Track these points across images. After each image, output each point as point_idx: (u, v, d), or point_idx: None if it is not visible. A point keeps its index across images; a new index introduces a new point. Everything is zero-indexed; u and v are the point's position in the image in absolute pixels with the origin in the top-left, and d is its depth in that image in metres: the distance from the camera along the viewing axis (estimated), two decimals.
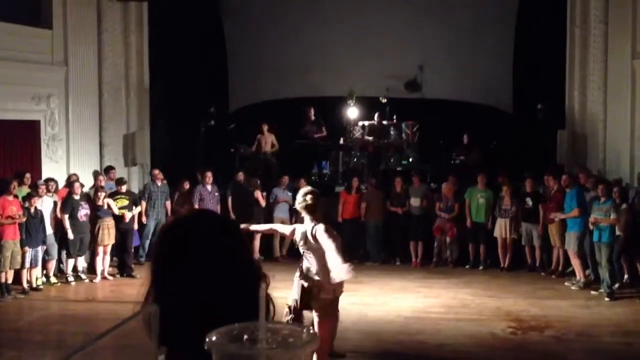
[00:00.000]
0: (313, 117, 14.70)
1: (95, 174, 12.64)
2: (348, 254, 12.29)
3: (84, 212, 11.15)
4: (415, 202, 12.36)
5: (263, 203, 12.74)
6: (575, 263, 10.67)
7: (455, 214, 12.08)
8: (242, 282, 1.38)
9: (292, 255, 12.65)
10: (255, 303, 1.13)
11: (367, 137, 14.63)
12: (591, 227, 10.01)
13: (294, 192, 12.62)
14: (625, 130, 12.23)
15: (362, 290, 10.30)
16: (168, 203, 12.63)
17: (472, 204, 12.04)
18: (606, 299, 9.77)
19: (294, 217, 12.57)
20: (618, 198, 10.09)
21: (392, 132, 14.76)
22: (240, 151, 14.46)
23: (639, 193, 10.51)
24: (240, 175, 13.04)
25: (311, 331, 1.12)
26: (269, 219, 12.61)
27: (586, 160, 13.02)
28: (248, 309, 1.17)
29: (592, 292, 10.15)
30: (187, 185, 12.79)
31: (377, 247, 12.62)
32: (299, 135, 14.58)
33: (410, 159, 14.57)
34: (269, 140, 14.29)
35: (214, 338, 1.12)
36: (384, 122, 14.73)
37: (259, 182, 12.89)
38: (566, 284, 10.77)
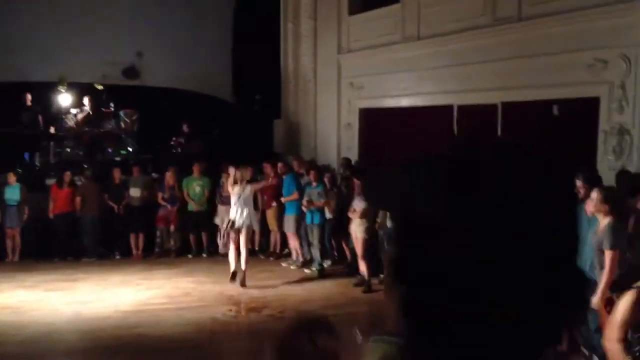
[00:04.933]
0: (29, 104, 13.56)
1: None
2: (62, 251, 11.61)
3: None
4: (135, 192, 11.94)
5: None
6: (294, 244, 11.23)
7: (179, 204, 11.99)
8: None
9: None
10: None
11: (82, 127, 13.75)
12: (304, 209, 10.63)
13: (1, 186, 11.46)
14: (332, 119, 13.18)
15: (78, 288, 9.71)
16: None
17: (191, 193, 12.03)
18: (317, 276, 10.44)
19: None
20: (329, 183, 10.82)
21: (110, 121, 14.06)
22: None
23: (344, 178, 11.37)
24: None
25: None
26: None
27: (300, 148, 13.80)
28: None
29: (306, 271, 10.79)
30: None
31: (94, 241, 11.94)
32: (20, 122, 13.30)
33: (130, 149, 14.02)
34: None
35: None
36: (103, 110, 13.98)
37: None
38: (284, 264, 11.30)
